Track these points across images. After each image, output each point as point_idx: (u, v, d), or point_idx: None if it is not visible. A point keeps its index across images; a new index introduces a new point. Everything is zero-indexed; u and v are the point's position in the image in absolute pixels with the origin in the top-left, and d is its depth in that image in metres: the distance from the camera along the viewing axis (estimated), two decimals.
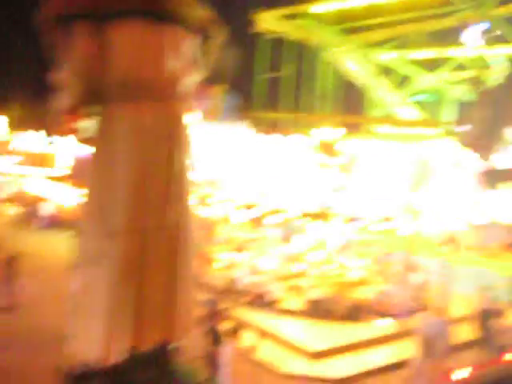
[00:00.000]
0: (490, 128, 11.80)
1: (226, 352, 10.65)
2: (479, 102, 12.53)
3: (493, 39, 24.55)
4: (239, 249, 19.03)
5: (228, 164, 17.05)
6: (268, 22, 29.97)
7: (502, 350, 12.37)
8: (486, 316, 13.94)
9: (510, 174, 12.49)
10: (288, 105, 31.00)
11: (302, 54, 31.28)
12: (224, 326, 11.32)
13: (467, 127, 12.33)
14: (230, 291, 16.51)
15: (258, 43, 31.43)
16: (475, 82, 13.51)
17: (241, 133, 16.87)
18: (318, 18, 29.43)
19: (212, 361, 10.66)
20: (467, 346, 13.90)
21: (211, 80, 7.47)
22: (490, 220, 17.08)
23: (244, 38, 30.81)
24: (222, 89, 7.98)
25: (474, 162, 12.38)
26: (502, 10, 25.15)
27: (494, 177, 12.46)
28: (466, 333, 14.31)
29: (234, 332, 10.99)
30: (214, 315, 13.52)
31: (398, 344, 14.62)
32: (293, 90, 31.26)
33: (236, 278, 16.94)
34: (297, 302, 16.13)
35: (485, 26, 26.26)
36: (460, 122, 13.13)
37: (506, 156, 16.96)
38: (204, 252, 18.93)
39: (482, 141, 11.88)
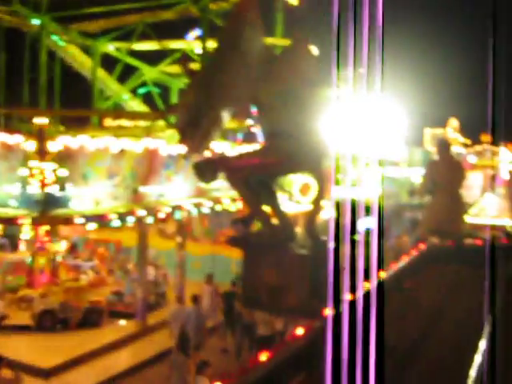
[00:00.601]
0: (194, 115, 10.66)
1: None
2: (185, 88, 11.93)
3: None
4: None
5: None
6: None
7: (248, 329, 12.73)
8: (228, 299, 14.30)
9: (227, 163, 12.01)
10: (5, 98, 28.39)
11: (22, 42, 28.83)
12: None
13: (177, 116, 11.57)
14: None
15: None
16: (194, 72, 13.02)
17: None
18: (34, 4, 27.35)
19: None
20: (215, 330, 14.25)
21: None
22: (217, 208, 17.64)
23: None
24: None
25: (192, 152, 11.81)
26: (218, 5, 26.27)
27: (211, 166, 11.90)
28: (211, 318, 14.56)
29: None
30: None
31: (144, 341, 14.42)
32: (11, 81, 28.71)
33: None
34: (27, 316, 14.62)
35: (199, 32, 27.57)
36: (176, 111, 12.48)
37: (223, 144, 17.58)
38: None
39: (188, 129, 11.14)
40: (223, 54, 11.12)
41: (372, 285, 4.65)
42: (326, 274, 4.42)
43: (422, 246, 18.07)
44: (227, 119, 11.20)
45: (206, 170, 11.63)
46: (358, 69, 4.98)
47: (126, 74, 31.18)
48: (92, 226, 13.86)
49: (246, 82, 11.00)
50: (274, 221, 11.98)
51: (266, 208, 12.03)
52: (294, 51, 12.24)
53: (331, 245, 4.64)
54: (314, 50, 19.68)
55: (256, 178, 11.68)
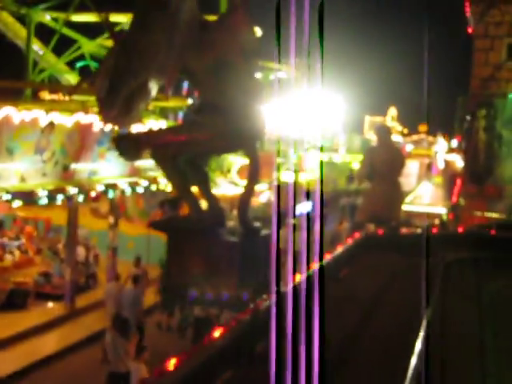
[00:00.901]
0: (114, 82, 9.14)
1: None
2: (107, 52, 10.45)
3: None
4: None
5: None
6: None
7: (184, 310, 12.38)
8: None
9: (152, 139, 10.69)
10: None
11: None
12: None
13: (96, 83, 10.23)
14: None
15: None
16: None
17: None
18: None
19: None
20: (151, 310, 13.92)
21: None
22: (153, 188, 17.13)
23: None
24: None
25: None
26: None
27: (133, 142, 10.43)
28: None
29: None
30: None
31: (72, 324, 14.10)
32: None
33: None
34: None
35: None
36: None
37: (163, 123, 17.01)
38: None
39: (106, 97, 9.30)
40: (148, 13, 9.74)
41: (309, 273, 4.39)
42: (256, 262, 4.12)
43: (359, 234, 18.13)
44: (155, 90, 9.88)
45: (128, 146, 10.38)
46: (300, 56, 4.74)
47: (62, 46, 29.99)
48: (17, 203, 13.12)
49: (173, 48, 9.76)
50: (204, 204, 11.09)
51: (195, 190, 11.12)
52: (230, 18, 10.93)
53: (267, 231, 4.38)
54: (258, 31, 19.17)
55: (184, 157, 10.62)
